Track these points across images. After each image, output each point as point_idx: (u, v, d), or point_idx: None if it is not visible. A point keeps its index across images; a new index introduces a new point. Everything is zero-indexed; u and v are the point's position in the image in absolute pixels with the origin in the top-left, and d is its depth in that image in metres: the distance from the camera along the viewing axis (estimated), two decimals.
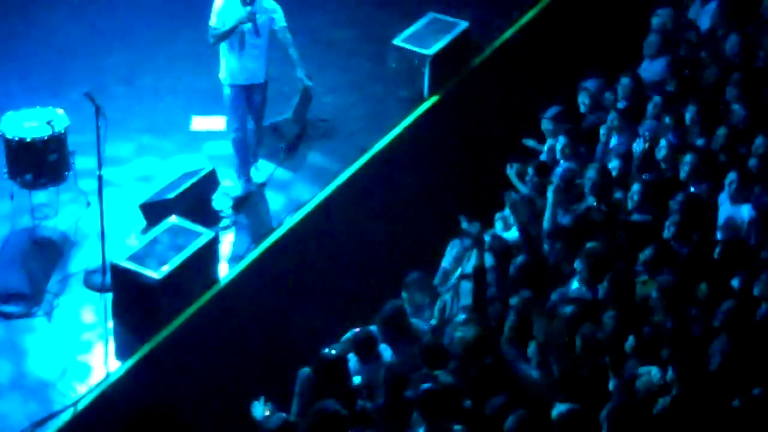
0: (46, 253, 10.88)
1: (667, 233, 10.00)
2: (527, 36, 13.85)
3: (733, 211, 10.33)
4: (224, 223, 11.31)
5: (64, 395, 9.65)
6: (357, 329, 9.41)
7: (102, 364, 9.96)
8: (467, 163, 12.76)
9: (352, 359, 9.16)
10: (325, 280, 11.24)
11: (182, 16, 13.59)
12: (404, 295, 9.82)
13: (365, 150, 12.10)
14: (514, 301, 9.41)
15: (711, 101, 11.51)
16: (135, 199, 11.26)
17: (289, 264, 11.15)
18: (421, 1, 13.69)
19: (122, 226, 11.06)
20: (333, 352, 8.91)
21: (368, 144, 12.18)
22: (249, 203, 11.57)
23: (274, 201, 11.68)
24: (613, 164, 10.97)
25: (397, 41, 12.84)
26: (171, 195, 11.02)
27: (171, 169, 11.70)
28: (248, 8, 10.97)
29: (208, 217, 11.20)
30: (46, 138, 10.70)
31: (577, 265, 9.72)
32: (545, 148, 11.77)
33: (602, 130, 11.60)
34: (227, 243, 11.09)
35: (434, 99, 12.79)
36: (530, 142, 12.10)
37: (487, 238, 10.14)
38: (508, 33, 13.78)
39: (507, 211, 10.76)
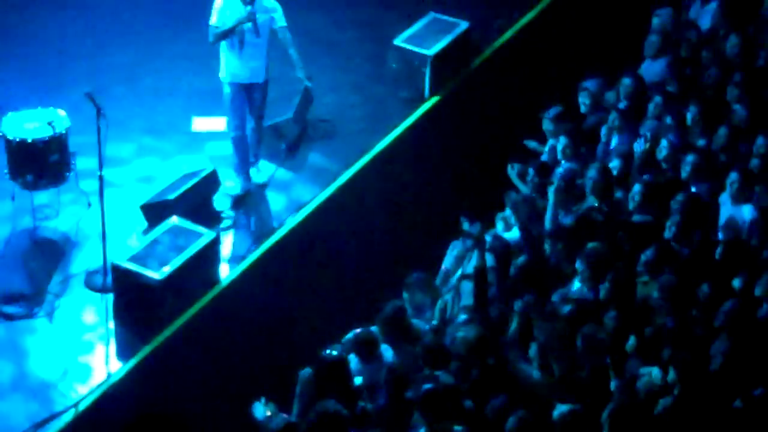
0: (47, 254, 10.88)
1: (668, 233, 10.00)
2: (528, 36, 13.85)
3: (734, 211, 10.32)
4: (225, 223, 11.32)
5: (65, 396, 9.65)
6: (358, 330, 9.40)
7: (103, 364, 9.97)
8: (468, 164, 12.75)
9: (353, 360, 9.16)
10: (326, 281, 11.24)
11: (182, 16, 13.58)
12: (405, 295, 9.82)
13: (366, 150, 12.09)
14: (517, 305, 9.39)
15: (712, 101, 11.50)
16: (136, 200, 11.26)
17: (290, 264, 11.15)
18: (421, 1, 13.68)
19: (123, 227, 11.06)
20: (334, 352, 8.91)
21: (369, 144, 12.18)
22: (250, 203, 11.57)
23: (275, 201, 11.68)
24: (614, 164, 10.97)
25: (398, 42, 12.84)
26: (172, 196, 11.03)
27: (172, 170, 11.70)
28: (248, 8, 10.99)
29: (209, 217, 11.20)
30: (47, 139, 10.71)
31: (579, 265, 9.72)
32: (546, 148, 11.77)
33: (603, 131, 11.60)
34: (228, 243, 11.09)
35: (435, 99, 12.79)
36: (532, 144, 12.10)
37: (488, 238, 10.14)
38: (509, 33, 13.77)
39: (508, 212, 10.77)
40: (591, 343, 8.89)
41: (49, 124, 10.77)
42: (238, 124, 11.43)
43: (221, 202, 11.50)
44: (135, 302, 10.17)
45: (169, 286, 10.08)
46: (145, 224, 11.03)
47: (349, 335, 9.42)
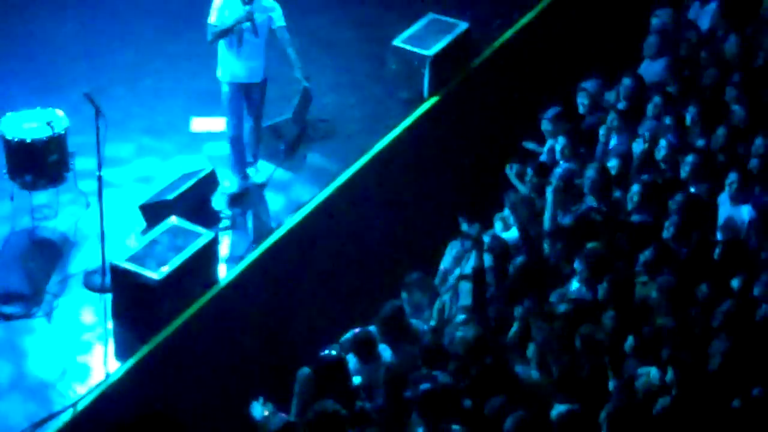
0: (45, 254, 10.88)
1: (667, 234, 10.00)
2: (527, 37, 13.85)
3: (733, 211, 10.33)
4: (224, 223, 11.32)
5: (63, 396, 9.64)
6: (356, 329, 9.41)
7: (102, 364, 9.96)
8: (467, 164, 12.76)
9: (352, 359, 9.16)
10: (325, 281, 11.24)
11: (182, 16, 13.58)
12: (404, 295, 9.82)
13: (365, 151, 12.10)
14: (517, 311, 9.38)
15: (711, 102, 11.50)
16: (135, 200, 11.26)
17: (289, 264, 11.15)
18: (420, 1, 13.68)
19: (122, 227, 11.06)
20: (333, 352, 8.91)
21: (368, 145, 12.18)
22: (248, 203, 11.57)
23: (274, 202, 11.68)
24: (612, 163, 10.97)
25: (397, 42, 12.83)
26: (171, 196, 11.02)
27: (171, 170, 11.69)
28: (247, 7, 11.00)
29: (207, 217, 11.20)
30: (46, 139, 10.70)
31: (577, 265, 9.72)
32: (545, 149, 11.77)
33: (602, 131, 11.60)
34: (227, 244, 11.09)
35: (434, 100, 12.79)
36: (531, 145, 12.10)
37: (486, 238, 10.14)
38: (508, 34, 13.77)
39: (507, 212, 10.77)
40: (589, 343, 8.89)
41: (48, 124, 10.77)
42: (235, 123, 11.43)
43: (220, 202, 11.50)
44: (134, 302, 10.17)
45: (167, 286, 10.07)
46: (144, 224, 11.03)
47: (348, 335, 9.43)
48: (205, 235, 10.49)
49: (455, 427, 8.37)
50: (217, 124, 12.12)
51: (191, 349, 10.21)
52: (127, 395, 9.78)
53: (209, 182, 11.42)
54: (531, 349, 9.12)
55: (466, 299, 9.85)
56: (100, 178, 10.24)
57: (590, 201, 10.54)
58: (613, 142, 11.51)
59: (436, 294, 10.04)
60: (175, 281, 10.12)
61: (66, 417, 9.48)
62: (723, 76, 11.84)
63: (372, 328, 9.41)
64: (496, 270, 9.91)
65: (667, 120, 11.30)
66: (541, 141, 11.90)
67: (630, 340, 8.92)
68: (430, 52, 12.70)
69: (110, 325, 10.26)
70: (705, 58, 12.30)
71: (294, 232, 11.25)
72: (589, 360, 8.83)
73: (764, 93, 11.65)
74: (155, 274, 10.04)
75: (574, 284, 9.77)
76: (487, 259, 9.90)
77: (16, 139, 10.68)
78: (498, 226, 10.79)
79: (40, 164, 10.74)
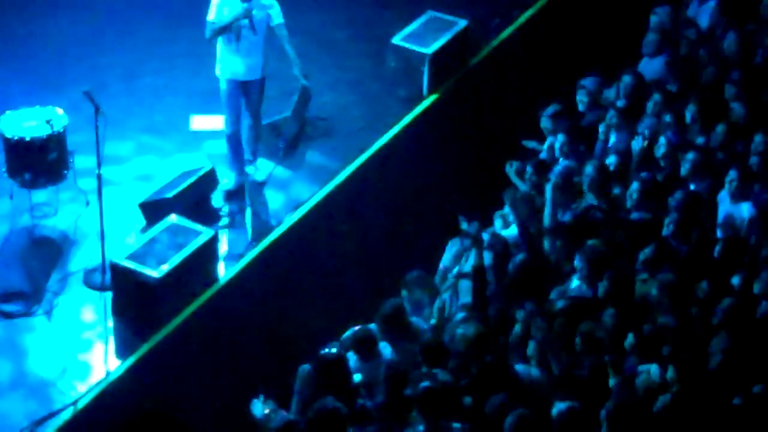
0: (45, 252, 10.88)
1: (666, 231, 10.00)
2: (526, 34, 13.85)
3: (733, 209, 10.32)
4: (224, 221, 11.32)
5: (64, 394, 9.65)
6: (357, 327, 9.41)
7: (102, 362, 9.97)
8: (467, 162, 12.76)
9: (352, 357, 9.17)
10: (325, 279, 11.24)
11: (182, 15, 13.58)
12: (404, 293, 9.81)
13: (364, 149, 12.10)
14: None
15: (710, 99, 11.50)
16: (134, 198, 11.26)
17: (289, 262, 11.15)
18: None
19: (122, 225, 11.06)
20: (333, 350, 8.91)
21: (367, 143, 12.18)
22: (248, 201, 11.57)
23: (274, 200, 11.68)
24: (611, 159, 10.97)
25: (396, 40, 12.84)
26: (170, 194, 11.03)
27: (170, 168, 11.70)
28: (245, 4, 11.01)
29: (207, 215, 11.20)
30: (45, 137, 10.71)
31: (577, 262, 9.72)
32: (545, 146, 11.77)
33: (601, 128, 11.60)
34: (227, 242, 11.09)
35: (433, 98, 12.79)
36: (531, 144, 12.10)
37: (486, 236, 10.14)
38: (507, 31, 13.78)
39: (506, 209, 10.76)
40: (590, 340, 8.88)
41: (48, 122, 10.77)
42: (233, 120, 11.45)
43: (219, 200, 11.50)
44: (133, 300, 10.17)
45: (167, 284, 10.08)
46: (144, 222, 11.03)
47: (348, 333, 9.43)
48: (204, 234, 10.49)
49: (455, 425, 8.37)
50: (217, 122, 12.12)
51: (191, 348, 10.21)
52: (128, 393, 9.78)
53: (209, 180, 11.42)
54: (531, 347, 9.12)
55: (466, 297, 9.84)
56: (99, 177, 10.24)
57: (590, 198, 10.55)
58: (612, 139, 11.51)
59: (436, 292, 10.03)
60: (175, 279, 10.12)
61: (66, 415, 9.48)
62: (722, 73, 11.84)
63: (372, 326, 9.41)
64: (496, 267, 9.90)
65: (667, 117, 11.30)
66: (541, 139, 11.90)
67: (630, 338, 8.91)
68: (430, 50, 12.71)
69: (110, 323, 10.27)
70: (704, 56, 12.30)
71: (293, 230, 11.26)
72: (590, 358, 8.82)
73: (763, 90, 11.64)
74: (155, 272, 10.04)
75: (575, 282, 9.77)
76: (487, 257, 9.90)
77: (15, 138, 10.68)
78: (498, 223, 10.79)
79: (40, 162, 10.74)
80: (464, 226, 10.13)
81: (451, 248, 10.45)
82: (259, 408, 8.68)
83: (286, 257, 11.14)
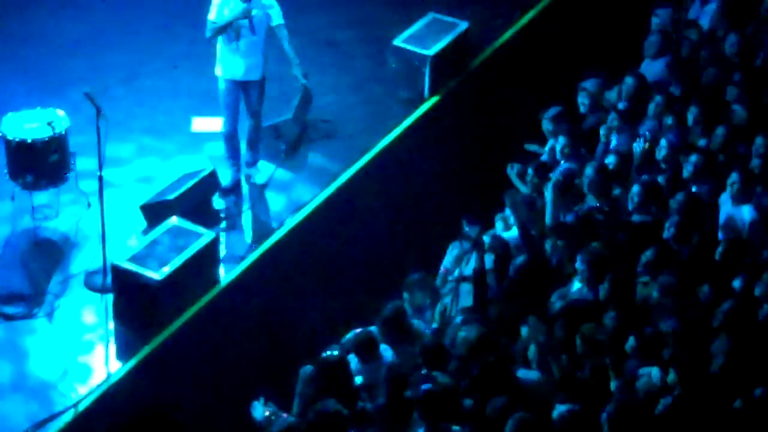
0: (46, 254, 10.89)
1: (667, 234, 9.99)
2: (527, 36, 13.85)
3: (734, 211, 10.32)
4: (225, 224, 11.32)
5: (65, 396, 9.66)
6: (358, 330, 9.41)
7: (103, 365, 9.97)
8: (468, 164, 12.75)
9: (353, 360, 9.17)
10: (326, 281, 11.24)
11: (182, 16, 13.58)
12: (405, 295, 9.82)
13: (366, 151, 12.09)
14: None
15: (712, 101, 11.49)
16: (135, 200, 11.26)
17: (290, 265, 11.15)
18: (421, 1, 13.68)
19: (123, 227, 11.06)
20: (334, 352, 8.91)
21: (369, 145, 12.18)
22: (248, 203, 11.58)
23: (275, 202, 11.68)
24: (610, 159, 10.97)
25: (398, 42, 12.84)
26: (171, 196, 11.03)
27: (171, 170, 11.70)
28: (245, 4, 11.01)
29: (208, 217, 11.20)
30: (46, 139, 10.71)
31: (578, 265, 9.71)
32: (546, 149, 11.77)
33: (602, 131, 11.60)
34: (228, 244, 11.09)
35: (434, 99, 12.79)
36: (532, 147, 12.09)
37: (487, 238, 10.13)
38: (509, 33, 13.78)
39: (507, 212, 10.76)
40: (590, 343, 8.88)
41: (49, 124, 10.77)
42: (230, 120, 11.46)
43: (220, 202, 11.50)
44: (135, 302, 10.18)
45: (168, 286, 10.08)
46: (145, 224, 11.03)
47: (349, 335, 9.43)
48: (206, 236, 10.50)
49: (455, 427, 8.37)
50: (218, 123, 12.11)
51: (192, 350, 10.21)
52: (128, 395, 9.78)
53: (210, 182, 11.42)
54: (532, 350, 9.12)
55: (466, 300, 9.84)
56: (101, 179, 10.25)
57: (591, 201, 10.54)
58: (613, 141, 11.50)
59: (437, 294, 10.03)
60: (176, 281, 10.13)
61: (67, 417, 9.50)
62: (724, 75, 11.83)
63: (373, 328, 9.42)
64: (497, 270, 9.90)
65: (668, 120, 11.29)
66: (542, 141, 11.89)
67: (631, 341, 8.91)
68: (431, 52, 12.71)
69: (111, 325, 10.27)
70: (705, 58, 12.29)
71: (295, 232, 11.26)
72: (591, 360, 8.82)
73: (765, 92, 11.63)
74: (156, 274, 10.05)
75: (576, 284, 9.77)
76: (488, 260, 9.90)
77: (16, 140, 10.69)
78: (499, 225, 10.79)
79: (41, 164, 10.75)
80: (466, 228, 10.13)
81: (452, 251, 10.44)
82: (260, 410, 8.68)
83: (287, 259, 11.14)
